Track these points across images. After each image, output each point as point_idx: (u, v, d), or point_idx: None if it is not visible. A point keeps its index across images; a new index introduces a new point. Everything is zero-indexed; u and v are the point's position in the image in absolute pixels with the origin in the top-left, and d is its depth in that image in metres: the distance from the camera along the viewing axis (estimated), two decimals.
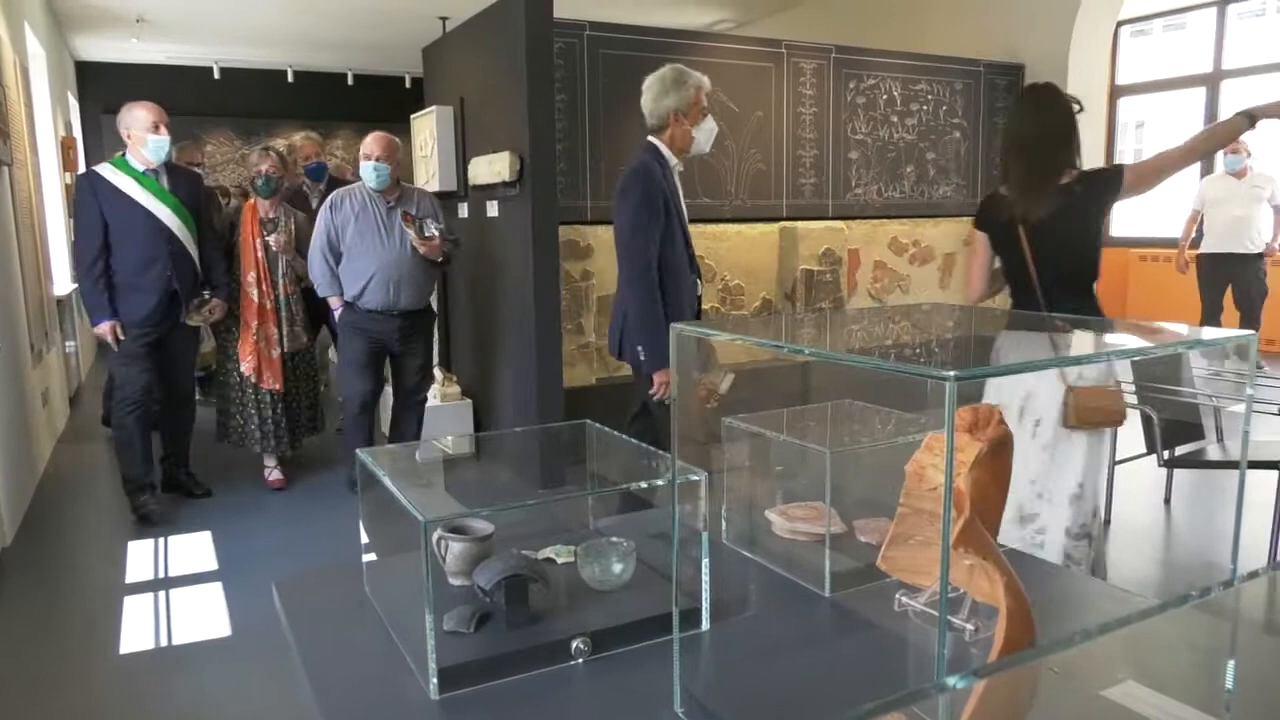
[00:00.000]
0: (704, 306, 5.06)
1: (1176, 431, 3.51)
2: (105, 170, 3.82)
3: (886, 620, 1.30)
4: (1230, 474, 3.67)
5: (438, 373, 5.10)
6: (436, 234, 3.99)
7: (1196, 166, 8.01)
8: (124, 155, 3.84)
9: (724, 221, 5.12)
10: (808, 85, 5.40)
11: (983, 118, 6.22)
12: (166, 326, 3.94)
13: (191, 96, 9.93)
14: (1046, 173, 2.55)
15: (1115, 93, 8.64)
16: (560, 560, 1.64)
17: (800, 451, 1.75)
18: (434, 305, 4.54)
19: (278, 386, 4.31)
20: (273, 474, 4.47)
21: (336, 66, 10.63)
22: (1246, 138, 6.86)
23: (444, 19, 7.43)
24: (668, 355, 2.57)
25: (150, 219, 3.81)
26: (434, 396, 4.91)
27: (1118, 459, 3.63)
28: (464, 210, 5.19)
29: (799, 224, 5.30)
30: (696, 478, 1.34)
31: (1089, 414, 2.49)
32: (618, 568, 1.51)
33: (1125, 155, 9.02)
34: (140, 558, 3.59)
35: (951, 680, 0.68)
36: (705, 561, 1.38)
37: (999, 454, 1.06)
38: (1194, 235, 7.00)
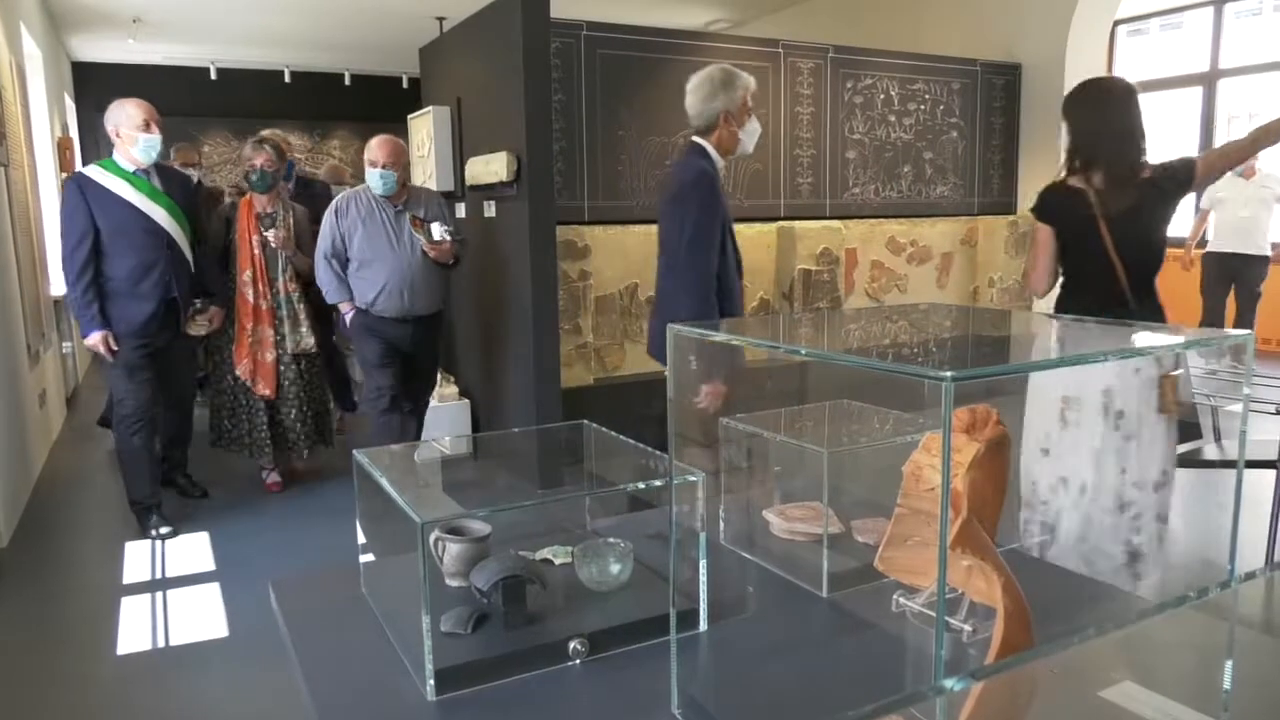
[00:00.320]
0: None
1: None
2: (94, 172, 3.63)
3: (884, 621, 1.30)
4: (1227, 474, 3.67)
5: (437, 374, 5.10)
6: (447, 238, 3.90)
7: None
8: (112, 156, 3.67)
9: None
10: (805, 85, 5.40)
11: (980, 117, 6.22)
12: (166, 336, 3.78)
13: (188, 97, 9.92)
14: (1134, 166, 2.60)
15: None
16: (558, 561, 1.64)
17: (798, 452, 1.75)
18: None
19: (268, 393, 4.14)
20: (270, 476, 4.39)
21: (333, 67, 10.62)
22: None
23: (441, 19, 7.43)
24: (719, 366, 2.56)
25: (145, 222, 3.63)
26: (432, 397, 4.91)
27: None
28: (461, 210, 5.18)
29: (796, 224, 5.30)
30: (694, 478, 1.34)
31: (1171, 401, 2.55)
32: (615, 568, 1.51)
33: None
34: (137, 558, 3.59)
35: (949, 682, 0.68)
36: (703, 562, 1.38)
37: (996, 455, 1.06)
38: (1200, 235, 7.01)
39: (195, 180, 4.66)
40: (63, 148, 7.24)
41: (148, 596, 3.25)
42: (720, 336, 1.25)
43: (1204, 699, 1.01)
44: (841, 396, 1.94)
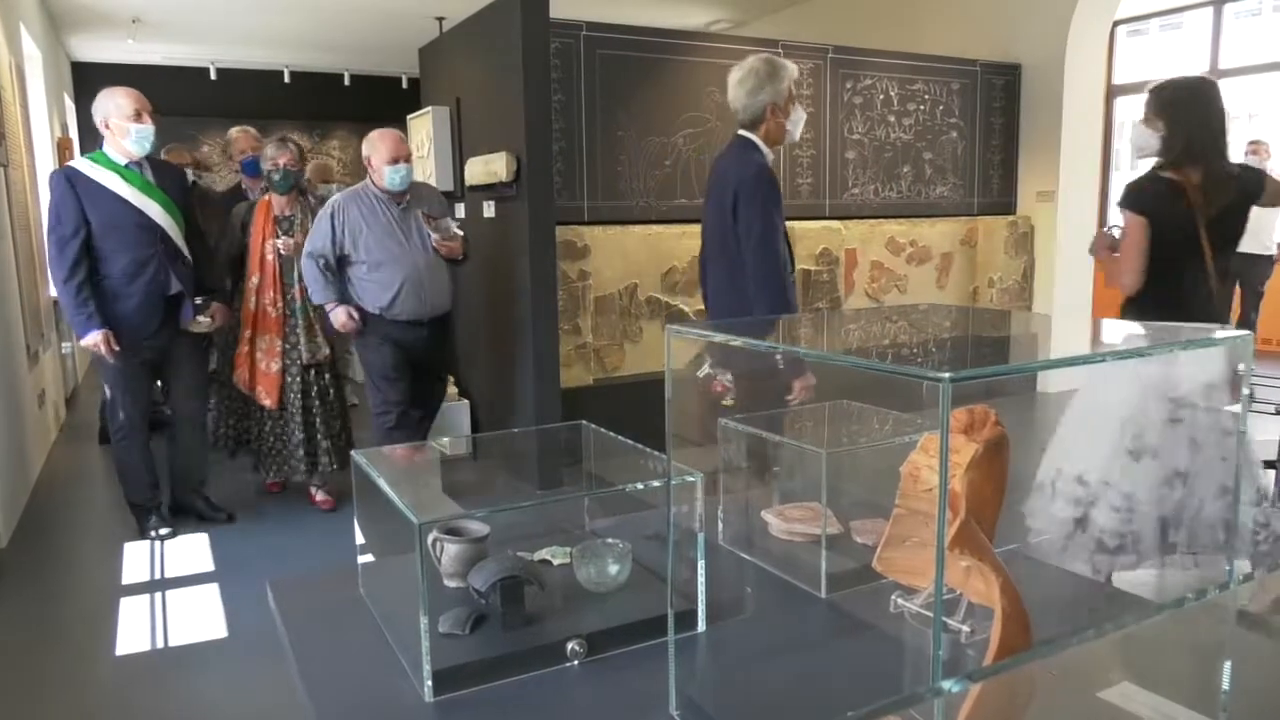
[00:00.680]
0: (701, 307, 5.08)
1: None
2: (84, 165, 3.44)
3: (883, 622, 1.30)
4: None
5: None
6: (461, 233, 3.78)
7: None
8: (101, 149, 3.50)
9: None
10: (804, 85, 5.40)
11: (979, 118, 6.22)
12: (166, 336, 3.58)
13: (187, 97, 9.92)
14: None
15: (1112, 92, 8.64)
16: (556, 562, 1.63)
17: (797, 452, 1.74)
18: None
19: (269, 403, 3.92)
20: (319, 493, 4.15)
21: (333, 67, 10.62)
22: (1268, 138, 6.89)
23: (440, 19, 7.43)
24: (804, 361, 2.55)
25: (138, 217, 3.44)
26: None
27: None
28: (461, 211, 5.18)
29: (796, 224, 5.30)
30: (692, 479, 1.34)
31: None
32: (614, 569, 1.51)
33: (1123, 154, 9.02)
34: (136, 559, 3.58)
35: (946, 684, 0.68)
36: (701, 563, 1.38)
37: (995, 455, 1.06)
38: None
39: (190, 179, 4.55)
40: (62, 148, 7.24)
41: (146, 597, 3.25)
42: (720, 337, 1.25)
43: (1203, 700, 1.01)
44: (841, 397, 1.94)
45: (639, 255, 4.86)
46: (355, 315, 3.75)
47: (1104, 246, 2.92)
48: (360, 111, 10.86)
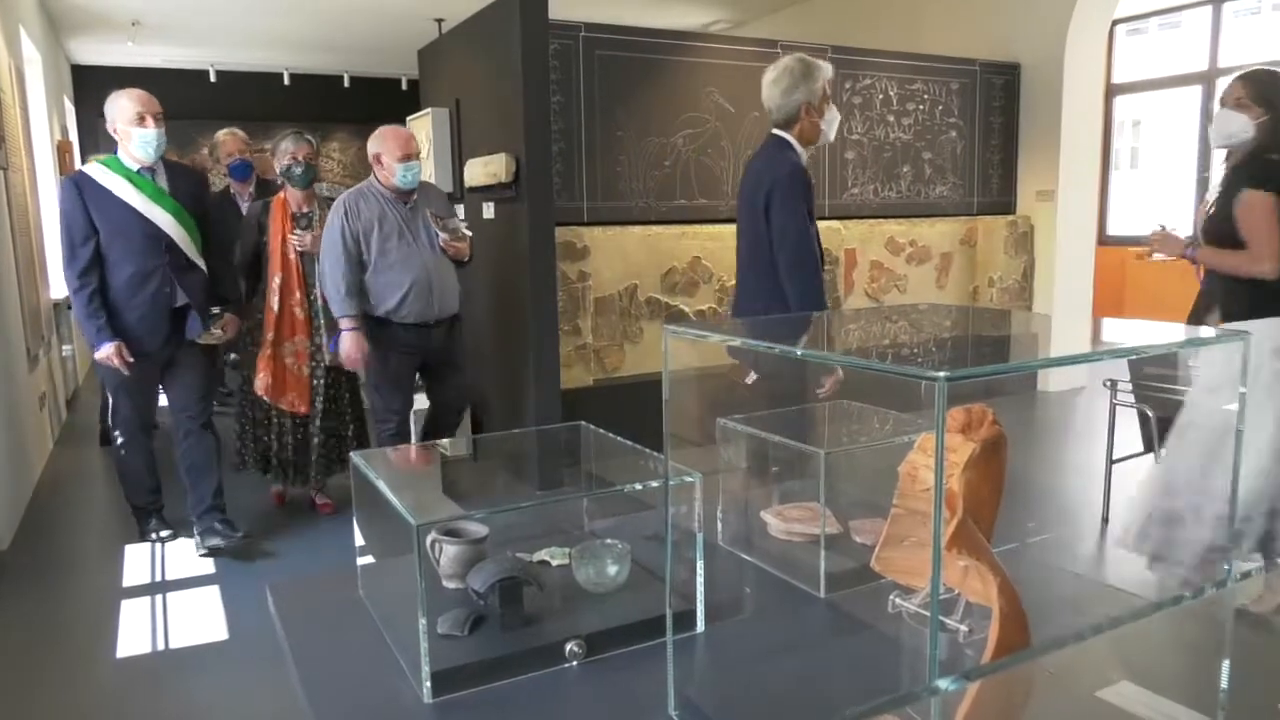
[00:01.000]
0: (701, 307, 5.09)
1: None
2: (94, 170, 3.34)
3: (882, 621, 1.30)
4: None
5: None
6: (470, 233, 3.67)
7: (1201, 160, 8.03)
8: (116, 153, 3.38)
9: (720, 222, 5.12)
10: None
11: (979, 117, 6.22)
12: (170, 350, 3.44)
13: (187, 100, 9.92)
14: None
15: (1111, 91, 8.64)
16: (555, 563, 1.64)
17: (796, 452, 1.74)
18: None
19: (303, 409, 3.76)
20: (319, 497, 4.03)
21: (333, 69, 10.62)
22: None
23: (439, 21, 7.43)
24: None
25: (145, 225, 3.31)
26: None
27: (1115, 458, 3.63)
28: (461, 212, 5.18)
29: None
30: (691, 479, 1.34)
31: None
32: (613, 570, 1.51)
33: (1122, 154, 9.02)
34: (137, 561, 3.58)
35: (943, 683, 0.68)
36: (700, 563, 1.38)
37: (992, 454, 1.06)
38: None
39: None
40: (62, 151, 7.24)
41: (147, 599, 3.25)
42: (717, 337, 1.25)
43: (1201, 698, 1.01)
44: (842, 397, 1.95)
45: (638, 256, 4.85)
46: (365, 348, 3.58)
47: (1179, 246, 2.88)
48: (360, 113, 10.86)
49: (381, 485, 1.41)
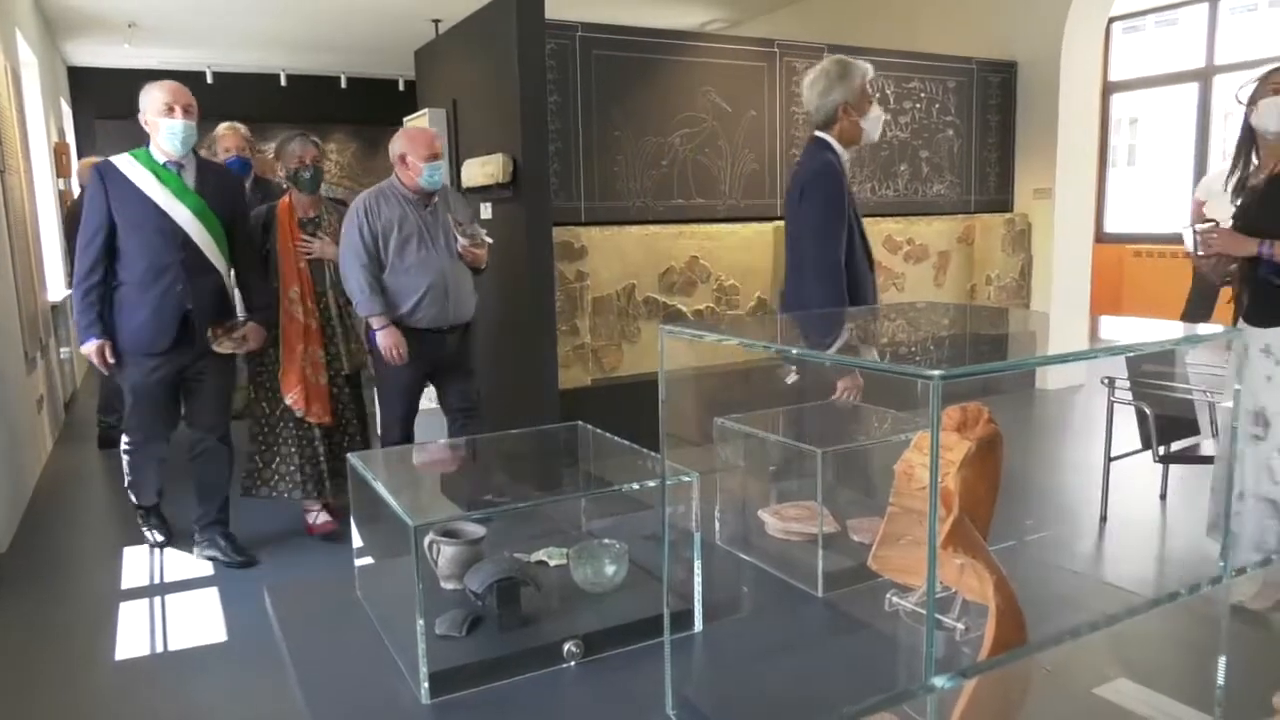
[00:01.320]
0: (699, 307, 5.09)
1: (1172, 427, 3.51)
2: (121, 160, 3.22)
3: (879, 620, 1.30)
4: None
5: None
6: (490, 240, 3.59)
7: (1195, 160, 8.03)
8: (148, 145, 3.26)
9: (718, 221, 5.12)
10: (800, 84, 5.40)
11: (976, 115, 6.22)
12: (187, 356, 3.28)
13: None
14: None
15: (1108, 89, 8.64)
16: (553, 563, 1.64)
17: (793, 451, 1.75)
18: None
19: (328, 419, 3.64)
20: (319, 517, 3.80)
21: (330, 70, 10.62)
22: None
23: (436, 21, 7.43)
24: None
25: (161, 220, 3.17)
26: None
27: (1113, 455, 3.63)
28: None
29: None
30: (688, 478, 1.34)
31: None
32: (610, 570, 1.51)
33: (1119, 151, 9.03)
34: (136, 563, 3.58)
35: (938, 680, 0.68)
36: (697, 563, 1.38)
37: (989, 453, 1.06)
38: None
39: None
40: (59, 153, 7.24)
41: (146, 601, 3.25)
42: (713, 337, 1.25)
43: (1198, 695, 1.01)
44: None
45: (636, 255, 4.85)
46: (401, 339, 3.49)
47: (1248, 244, 2.68)
48: (357, 114, 10.88)
49: (379, 487, 1.41)
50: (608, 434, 1.68)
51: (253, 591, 3.20)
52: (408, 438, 3.72)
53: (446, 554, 1.52)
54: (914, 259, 5.93)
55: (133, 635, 2.99)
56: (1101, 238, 8.37)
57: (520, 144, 4.31)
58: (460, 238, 3.53)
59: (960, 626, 1.07)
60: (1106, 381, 3.60)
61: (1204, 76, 8.04)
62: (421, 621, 1.23)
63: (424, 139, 3.47)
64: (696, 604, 1.39)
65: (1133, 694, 1.02)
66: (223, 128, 4.72)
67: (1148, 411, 3.41)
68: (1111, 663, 1.06)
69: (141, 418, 3.38)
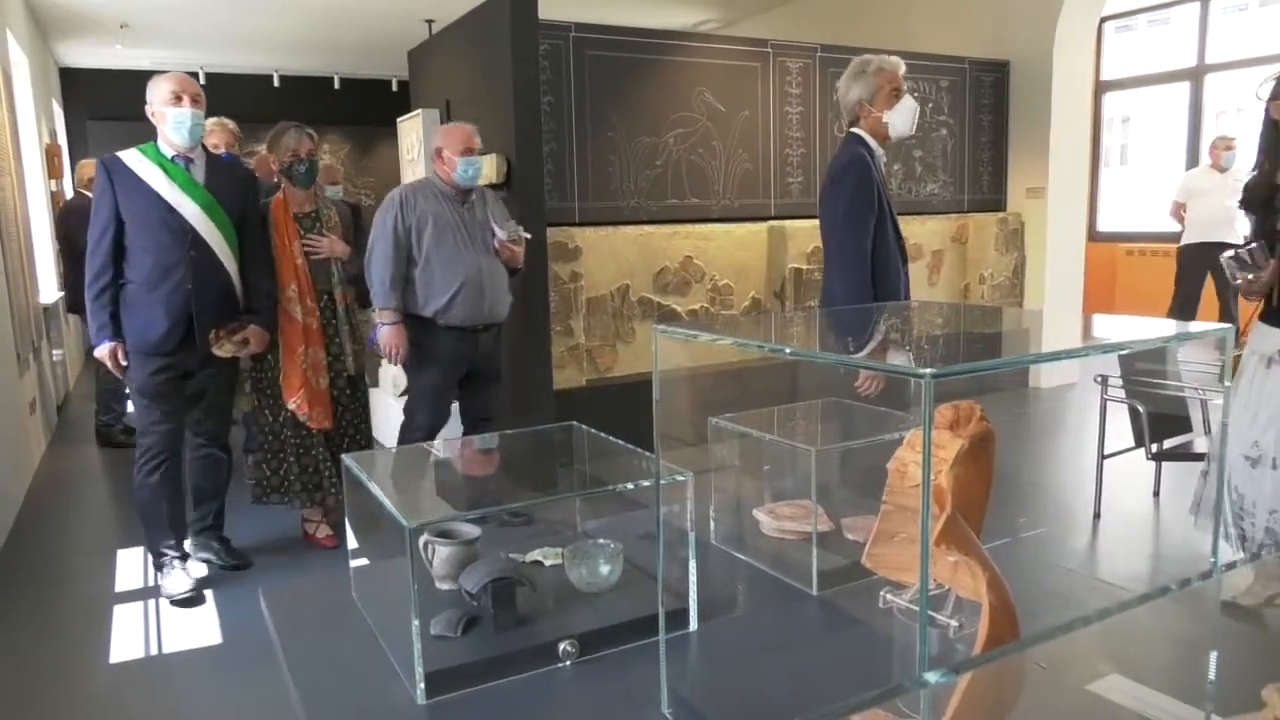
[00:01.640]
0: (694, 307, 5.09)
1: (1164, 425, 3.52)
2: (129, 155, 3.12)
3: (873, 618, 1.30)
4: None
5: None
6: (529, 235, 3.54)
7: (1186, 158, 8.07)
8: (156, 140, 3.17)
9: (712, 221, 5.13)
10: (794, 84, 5.41)
11: (969, 115, 6.24)
12: (193, 358, 3.18)
13: None
14: None
15: (1100, 88, 8.68)
16: (548, 563, 1.64)
17: (787, 450, 1.75)
18: None
19: (328, 424, 3.51)
20: (320, 530, 3.68)
21: (323, 70, 10.60)
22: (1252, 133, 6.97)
23: (430, 22, 7.42)
24: None
25: (168, 215, 3.07)
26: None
27: (1106, 453, 3.65)
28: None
29: (787, 223, 5.31)
30: (683, 478, 1.34)
31: None
32: (605, 569, 1.51)
33: (1112, 150, 9.06)
34: (130, 566, 3.57)
35: (931, 676, 0.68)
36: (692, 562, 1.38)
37: (981, 450, 1.06)
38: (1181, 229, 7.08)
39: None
40: (51, 155, 7.22)
41: (140, 604, 3.24)
42: (706, 336, 1.25)
43: (1189, 689, 1.01)
44: (833, 395, 1.95)
45: (630, 256, 4.86)
46: (405, 340, 3.46)
47: None
48: (350, 115, 10.85)
49: (374, 487, 1.41)
50: (602, 434, 1.68)
51: (247, 593, 3.20)
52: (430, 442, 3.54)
53: (441, 554, 1.52)
54: (908, 258, 5.94)
55: (127, 638, 2.98)
56: (1094, 236, 8.40)
57: (514, 144, 4.31)
58: (498, 230, 3.49)
59: (954, 623, 1.08)
60: (1099, 379, 3.62)
61: (1196, 76, 8.08)
62: (417, 622, 1.23)
63: (460, 134, 3.44)
64: (691, 603, 1.40)
65: (1125, 689, 1.03)
66: (211, 122, 4.59)
67: (1140, 409, 3.42)
68: (1104, 658, 1.07)
69: (157, 424, 3.21)
